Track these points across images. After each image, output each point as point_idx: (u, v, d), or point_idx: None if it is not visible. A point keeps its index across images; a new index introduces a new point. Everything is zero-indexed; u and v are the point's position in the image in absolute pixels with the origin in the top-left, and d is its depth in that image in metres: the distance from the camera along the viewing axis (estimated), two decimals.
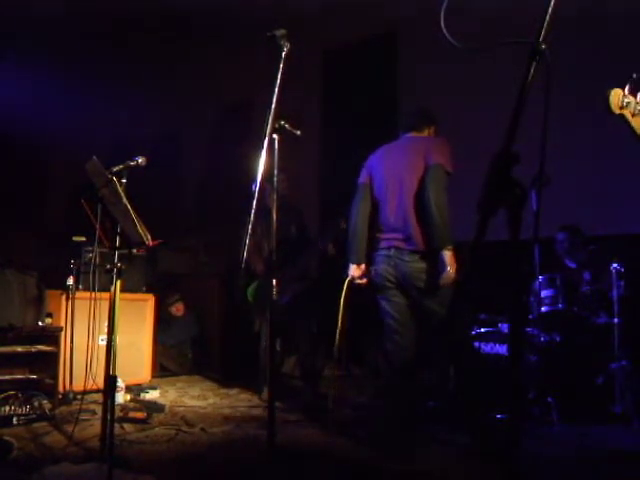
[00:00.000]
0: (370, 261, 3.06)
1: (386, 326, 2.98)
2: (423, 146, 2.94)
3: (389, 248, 2.91)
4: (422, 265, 2.82)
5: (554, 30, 1.21)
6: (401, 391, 2.92)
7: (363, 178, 3.14)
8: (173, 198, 7.94)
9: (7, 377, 3.51)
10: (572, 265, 4.26)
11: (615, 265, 3.71)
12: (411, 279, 2.85)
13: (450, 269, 2.70)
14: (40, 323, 3.98)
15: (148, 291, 4.82)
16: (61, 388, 3.79)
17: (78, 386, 3.60)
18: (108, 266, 2.62)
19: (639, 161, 4.21)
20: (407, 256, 2.85)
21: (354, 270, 3.07)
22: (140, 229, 2.56)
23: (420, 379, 3.38)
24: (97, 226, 2.71)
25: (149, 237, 2.59)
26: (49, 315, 4.10)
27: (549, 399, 3.44)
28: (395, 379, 2.95)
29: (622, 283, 3.75)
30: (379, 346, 3.11)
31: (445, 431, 3.23)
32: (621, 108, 1.54)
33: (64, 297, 4.10)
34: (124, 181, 2.63)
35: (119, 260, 2.62)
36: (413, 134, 3.10)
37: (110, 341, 2.61)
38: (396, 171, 2.96)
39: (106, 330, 2.78)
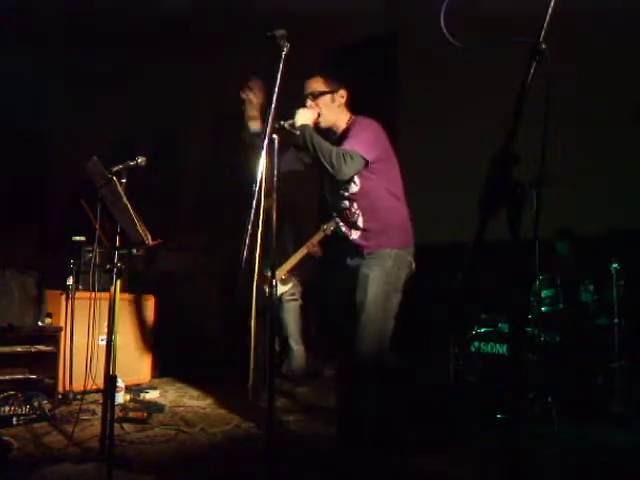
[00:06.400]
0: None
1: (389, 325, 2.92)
2: None
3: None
4: None
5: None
6: (392, 393, 2.89)
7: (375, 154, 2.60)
8: (173, 198, 7.94)
9: (7, 377, 3.51)
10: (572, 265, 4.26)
11: (614, 265, 3.71)
12: None
13: None
14: (40, 323, 3.98)
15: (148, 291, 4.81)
16: (61, 388, 3.79)
17: (78, 386, 3.60)
18: (108, 266, 2.62)
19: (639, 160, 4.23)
20: None
21: None
22: (140, 229, 2.56)
23: (415, 380, 3.36)
24: (97, 226, 2.71)
25: (149, 237, 2.59)
26: (49, 315, 4.09)
27: (549, 399, 3.44)
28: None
29: (622, 283, 3.74)
30: None
31: (445, 431, 3.22)
32: None
33: (64, 297, 4.10)
34: (124, 181, 2.63)
35: (119, 260, 2.62)
36: None
37: (110, 341, 2.61)
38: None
39: (106, 330, 2.78)
